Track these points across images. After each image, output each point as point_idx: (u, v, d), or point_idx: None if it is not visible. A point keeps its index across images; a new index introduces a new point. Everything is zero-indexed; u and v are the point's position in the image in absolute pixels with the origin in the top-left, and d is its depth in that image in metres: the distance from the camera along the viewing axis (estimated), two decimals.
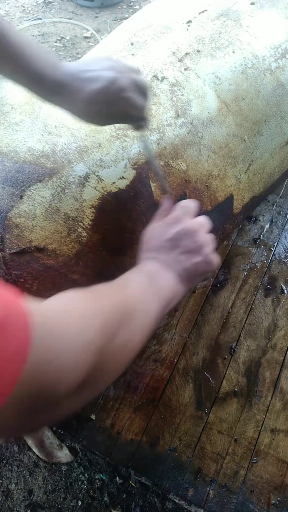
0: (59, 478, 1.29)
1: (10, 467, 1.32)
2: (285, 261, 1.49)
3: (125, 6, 3.51)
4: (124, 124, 0.96)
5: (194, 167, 1.03)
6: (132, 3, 3.55)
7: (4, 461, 1.33)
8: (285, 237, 1.56)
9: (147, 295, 0.64)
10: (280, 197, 1.68)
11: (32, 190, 0.91)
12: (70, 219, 0.92)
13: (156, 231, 0.74)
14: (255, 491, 1.10)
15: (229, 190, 1.11)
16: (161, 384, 1.24)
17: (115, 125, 0.99)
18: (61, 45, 3.11)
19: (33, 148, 0.95)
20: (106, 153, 0.96)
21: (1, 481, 1.29)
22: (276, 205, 1.65)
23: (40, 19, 3.42)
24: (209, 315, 1.36)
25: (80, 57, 2.97)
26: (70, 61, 2.94)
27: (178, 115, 1.03)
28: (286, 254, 1.51)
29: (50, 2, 3.64)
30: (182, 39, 1.13)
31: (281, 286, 1.43)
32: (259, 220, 1.60)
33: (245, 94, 1.10)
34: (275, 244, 1.53)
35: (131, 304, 0.59)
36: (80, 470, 1.29)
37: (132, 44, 1.15)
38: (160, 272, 0.68)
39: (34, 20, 3.42)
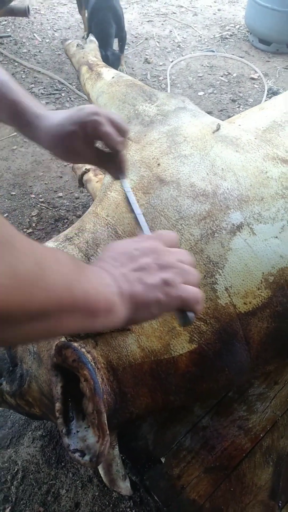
0: (107, 503, 1.26)
1: (66, 472, 1.33)
2: None
3: None
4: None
5: None
6: None
7: (63, 464, 1.34)
8: None
9: (63, 265, 0.45)
10: None
11: (182, 225, 0.91)
12: (211, 263, 0.90)
13: (118, 245, 0.59)
14: None
15: None
16: (239, 454, 1.15)
17: (282, 183, 0.96)
18: (226, 80, 3.18)
19: (196, 184, 0.95)
20: (267, 208, 0.93)
21: (55, 482, 1.30)
22: None
23: (213, 51, 3.54)
24: None
25: (241, 96, 3.00)
26: (231, 97, 2.98)
27: None
28: None
29: (226, 38, 3.76)
30: None
31: None
32: None
33: None
34: None
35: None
36: (129, 504, 1.25)
37: None
38: (96, 272, 0.52)
39: (207, 51, 3.55)
